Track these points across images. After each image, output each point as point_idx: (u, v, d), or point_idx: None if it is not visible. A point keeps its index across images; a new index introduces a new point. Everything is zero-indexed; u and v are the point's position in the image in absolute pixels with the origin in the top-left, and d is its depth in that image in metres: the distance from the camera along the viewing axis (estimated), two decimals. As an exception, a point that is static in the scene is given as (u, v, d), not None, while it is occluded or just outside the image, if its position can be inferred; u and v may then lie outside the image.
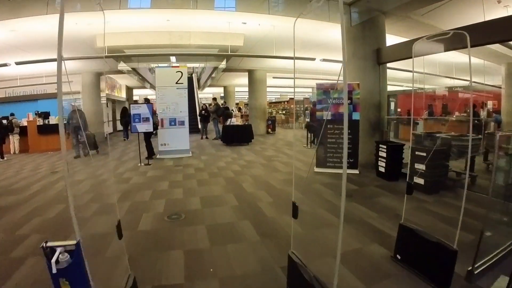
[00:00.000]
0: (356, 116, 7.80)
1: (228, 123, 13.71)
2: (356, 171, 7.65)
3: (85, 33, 10.48)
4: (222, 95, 31.17)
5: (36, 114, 15.30)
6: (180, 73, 10.65)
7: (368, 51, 8.47)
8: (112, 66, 15.75)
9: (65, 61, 1.83)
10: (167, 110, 10.75)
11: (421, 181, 6.07)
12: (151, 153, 10.30)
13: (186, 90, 10.84)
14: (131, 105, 9.57)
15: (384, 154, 7.14)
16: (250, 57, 13.52)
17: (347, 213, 4.86)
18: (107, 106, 22.06)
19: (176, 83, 10.66)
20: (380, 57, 8.46)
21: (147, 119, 9.34)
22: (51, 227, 4.63)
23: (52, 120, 14.82)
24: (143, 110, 9.33)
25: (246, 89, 27.85)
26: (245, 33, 11.34)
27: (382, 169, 7.19)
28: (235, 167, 8.61)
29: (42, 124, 14.65)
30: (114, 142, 16.61)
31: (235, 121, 13.53)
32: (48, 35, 10.22)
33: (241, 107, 26.27)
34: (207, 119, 16.11)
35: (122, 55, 11.03)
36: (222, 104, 17.79)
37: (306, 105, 23.00)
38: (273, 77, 18.51)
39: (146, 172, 8.30)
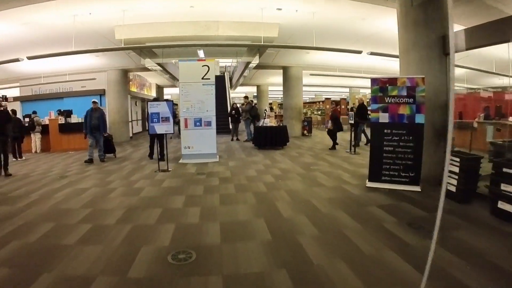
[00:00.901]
0: (420, 119, 6.14)
1: (260, 124, 12.29)
2: (417, 188, 5.98)
3: (101, 25, 9.50)
4: (255, 94, 29.89)
5: (58, 112, 14.57)
6: (207, 67, 9.34)
7: (432, 38, 6.73)
8: (137, 62, 14.86)
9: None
10: (192, 109, 9.49)
11: (508, 207, 4.42)
12: (153, 156, 9.87)
13: (213, 86, 9.53)
14: (148, 102, 8.37)
15: (456, 169, 5.46)
16: (286, 49, 12.01)
17: (423, 257, 3.36)
18: (135, 104, 21.34)
19: (202, 78, 9.37)
20: (447, 46, 6.74)
21: (167, 119, 8.10)
22: (26, 257, 3.50)
23: (74, 119, 14.05)
24: (163, 109, 8.10)
25: (280, 88, 26.54)
26: (280, 22, 9.96)
27: (451, 188, 5.49)
28: (267, 178, 7.16)
29: (64, 122, 13.94)
30: (140, 143, 15.65)
31: (269, 122, 12.08)
32: (61, 27, 9.31)
33: (273, 106, 24.87)
34: (237, 119, 14.82)
35: (140, 46, 9.85)
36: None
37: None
38: (310, 74, 16.96)
39: (162, 181, 7.03)
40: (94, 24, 9.37)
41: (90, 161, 9.69)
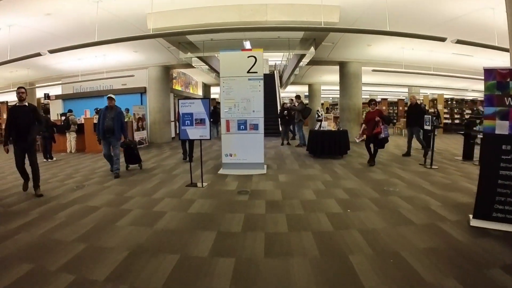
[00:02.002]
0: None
1: (317, 127, 10.40)
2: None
3: (130, 12, 8.20)
4: (307, 93, 27.90)
5: (96, 111, 13.63)
6: (253, 59, 7.66)
7: None
8: (178, 58, 13.69)
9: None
10: (235, 109, 7.87)
11: None
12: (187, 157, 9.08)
13: (262, 81, 7.82)
14: (179, 100, 6.82)
15: None
16: (350, 33, 9.96)
17: None
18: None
19: (248, 72, 7.70)
20: None
21: (202, 122, 6.51)
22: None
23: (110, 118, 13.04)
24: (197, 109, 6.50)
25: (333, 87, 24.27)
26: (341, 4, 8.13)
27: None
28: (331, 205, 5.26)
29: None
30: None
31: (327, 125, 10.17)
32: (85, 17, 8.13)
33: (328, 107, 22.86)
34: (289, 121, 13.06)
35: (172, 33, 8.30)
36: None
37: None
38: (373, 70, 14.73)
39: (190, 203, 5.40)
40: (121, 11, 8.12)
41: (116, 175, 7.69)
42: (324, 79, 23.35)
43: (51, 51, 8.19)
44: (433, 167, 8.42)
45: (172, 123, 16.85)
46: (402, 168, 8.36)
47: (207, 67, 16.45)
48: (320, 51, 12.43)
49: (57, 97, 18.05)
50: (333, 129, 10.01)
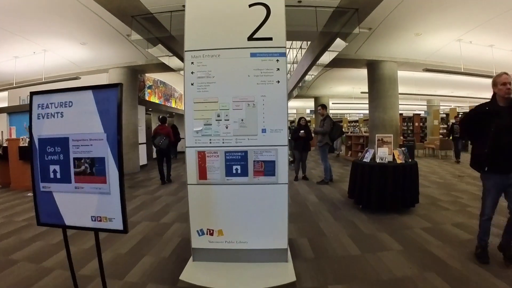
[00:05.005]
0: None
1: (368, 159, 5.71)
2: None
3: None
4: (312, 109, 23.88)
5: (26, 128, 9.33)
6: (264, 10, 3.33)
7: None
8: (147, 55, 9.74)
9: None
10: (219, 127, 3.40)
11: None
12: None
13: (284, 58, 3.37)
14: (32, 96, 2.19)
15: None
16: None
17: None
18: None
19: (251, 38, 3.35)
20: None
21: (98, 170, 1.99)
22: None
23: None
24: (82, 123, 2.02)
25: (342, 101, 21.22)
26: None
27: None
28: None
29: (26, 145, 8.84)
30: (150, 177, 10.01)
31: (386, 155, 5.68)
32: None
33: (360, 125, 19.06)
34: (307, 145, 8.54)
35: None
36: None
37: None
38: (425, 70, 10.48)
39: None
40: None
41: None
42: (334, 90, 19.51)
43: None
44: None
45: (141, 146, 12.38)
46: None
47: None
48: (347, 45, 8.75)
49: (1, 110, 13.87)
50: (398, 162, 5.54)
